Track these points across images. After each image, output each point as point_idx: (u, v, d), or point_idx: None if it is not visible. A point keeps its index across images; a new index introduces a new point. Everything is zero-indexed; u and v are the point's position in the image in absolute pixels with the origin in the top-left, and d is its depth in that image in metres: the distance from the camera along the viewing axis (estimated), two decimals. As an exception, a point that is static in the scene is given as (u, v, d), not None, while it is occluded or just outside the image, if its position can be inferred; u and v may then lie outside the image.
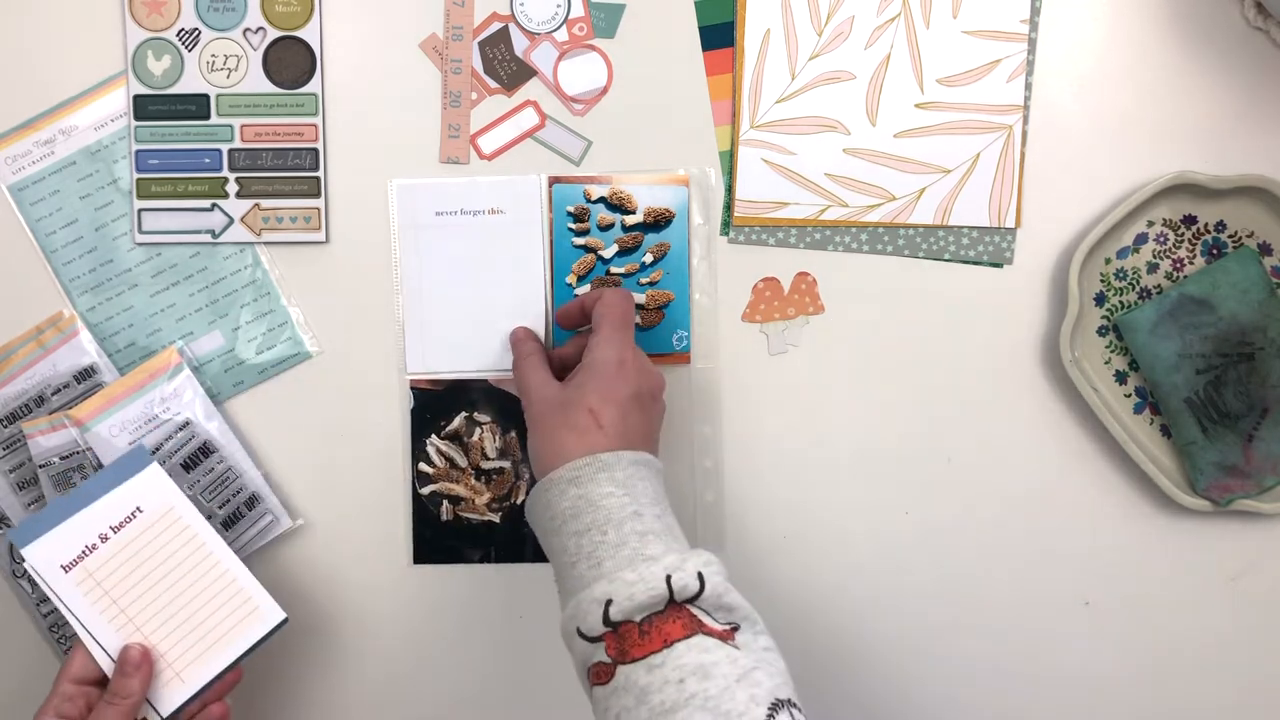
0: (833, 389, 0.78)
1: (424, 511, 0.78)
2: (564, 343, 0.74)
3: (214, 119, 0.76)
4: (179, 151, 0.76)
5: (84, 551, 0.68)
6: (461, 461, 0.78)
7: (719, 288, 0.78)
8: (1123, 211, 0.75)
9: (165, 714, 0.67)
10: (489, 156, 0.77)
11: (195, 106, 0.76)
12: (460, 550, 0.79)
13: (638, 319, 0.77)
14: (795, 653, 0.79)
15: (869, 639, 0.79)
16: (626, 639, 0.56)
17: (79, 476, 0.75)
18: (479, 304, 0.77)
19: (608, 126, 0.77)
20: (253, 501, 0.77)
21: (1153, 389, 0.77)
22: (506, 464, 0.78)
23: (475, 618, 0.79)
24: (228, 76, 0.76)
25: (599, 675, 0.56)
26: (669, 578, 0.57)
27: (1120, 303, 0.78)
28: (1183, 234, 0.77)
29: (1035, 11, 0.76)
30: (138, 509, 0.70)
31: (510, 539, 0.78)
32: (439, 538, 0.78)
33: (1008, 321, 0.78)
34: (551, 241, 0.77)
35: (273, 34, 0.76)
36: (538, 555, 0.78)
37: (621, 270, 0.77)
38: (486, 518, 0.78)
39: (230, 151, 0.76)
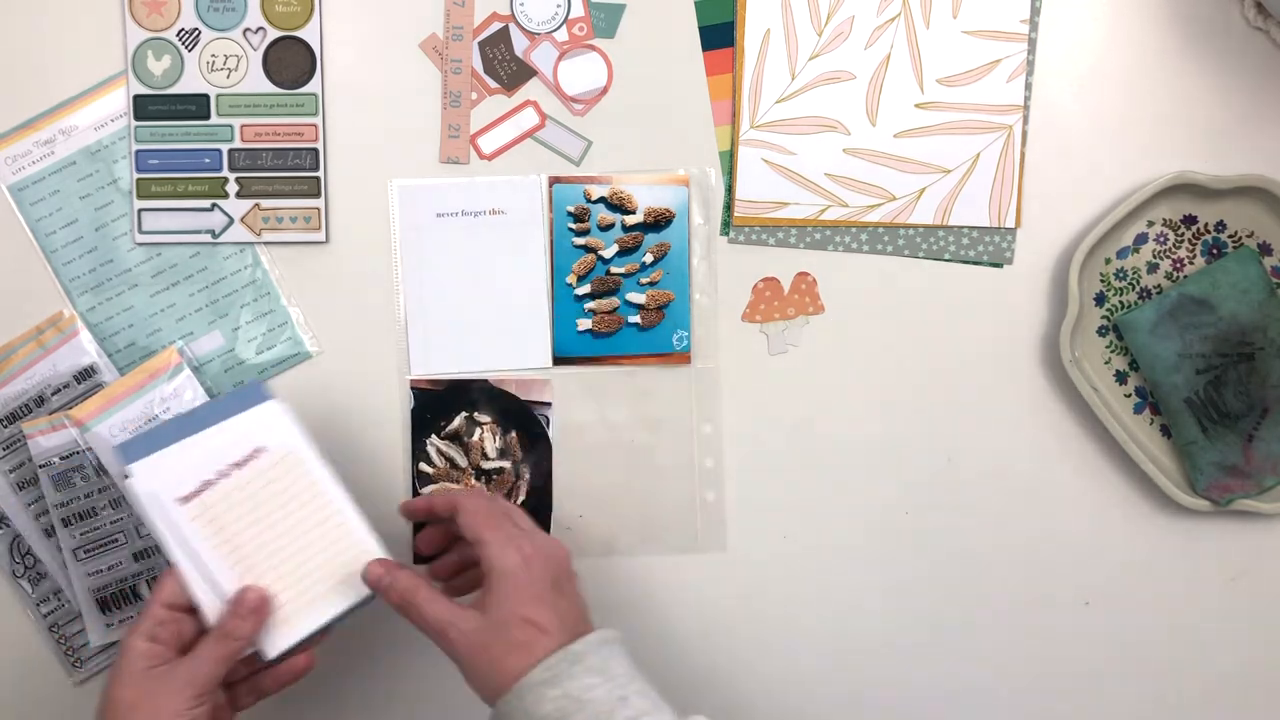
0: (833, 389, 0.78)
1: (424, 511, 0.78)
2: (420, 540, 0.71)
3: (214, 119, 0.76)
4: (179, 151, 0.76)
5: (203, 485, 0.66)
6: (462, 461, 0.78)
7: (719, 288, 0.78)
8: (1123, 211, 0.75)
9: (270, 656, 0.66)
10: (489, 156, 0.77)
11: (195, 106, 0.76)
12: (460, 550, 0.79)
13: (637, 319, 0.77)
14: (795, 652, 0.80)
15: (869, 638, 0.79)
16: None
17: (79, 477, 0.75)
18: (479, 304, 0.77)
19: (608, 126, 0.77)
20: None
21: (1153, 389, 0.77)
22: (506, 464, 0.78)
23: (475, 618, 0.79)
24: (228, 76, 0.76)
25: None
26: None
27: (1120, 303, 0.78)
28: (1183, 234, 0.77)
29: (1035, 11, 0.76)
30: (261, 448, 0.68)
31: (510, 539, 0.78)
32: (439, 538, 0.78)
33: (1008, 321, 0.78)
34: (552, 241, 0.77)
35: (273, 34, 0.76)
36: (538, 555, 0.78)
37: (622, 270, 0.77)
38: (486, 518, 0.78)
39: (230, 151, 0.76)
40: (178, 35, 0.76)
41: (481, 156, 0.77)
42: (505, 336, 0.77)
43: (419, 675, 0.80)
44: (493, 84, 0.77)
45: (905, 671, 0.80)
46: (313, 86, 0.76)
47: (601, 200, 0.77)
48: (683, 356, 0.78)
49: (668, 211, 0.77)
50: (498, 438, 0.78)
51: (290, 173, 0.76)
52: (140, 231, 0.76)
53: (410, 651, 0.79)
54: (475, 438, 0.78)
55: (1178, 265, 0.77)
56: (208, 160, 0.76)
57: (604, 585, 0.78)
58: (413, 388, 0.77)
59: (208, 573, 0.65)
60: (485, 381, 0.77)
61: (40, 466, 0.75)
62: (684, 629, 0.79)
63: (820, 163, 0.77)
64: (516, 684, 0.58)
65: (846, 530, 0.79)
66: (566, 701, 0.57)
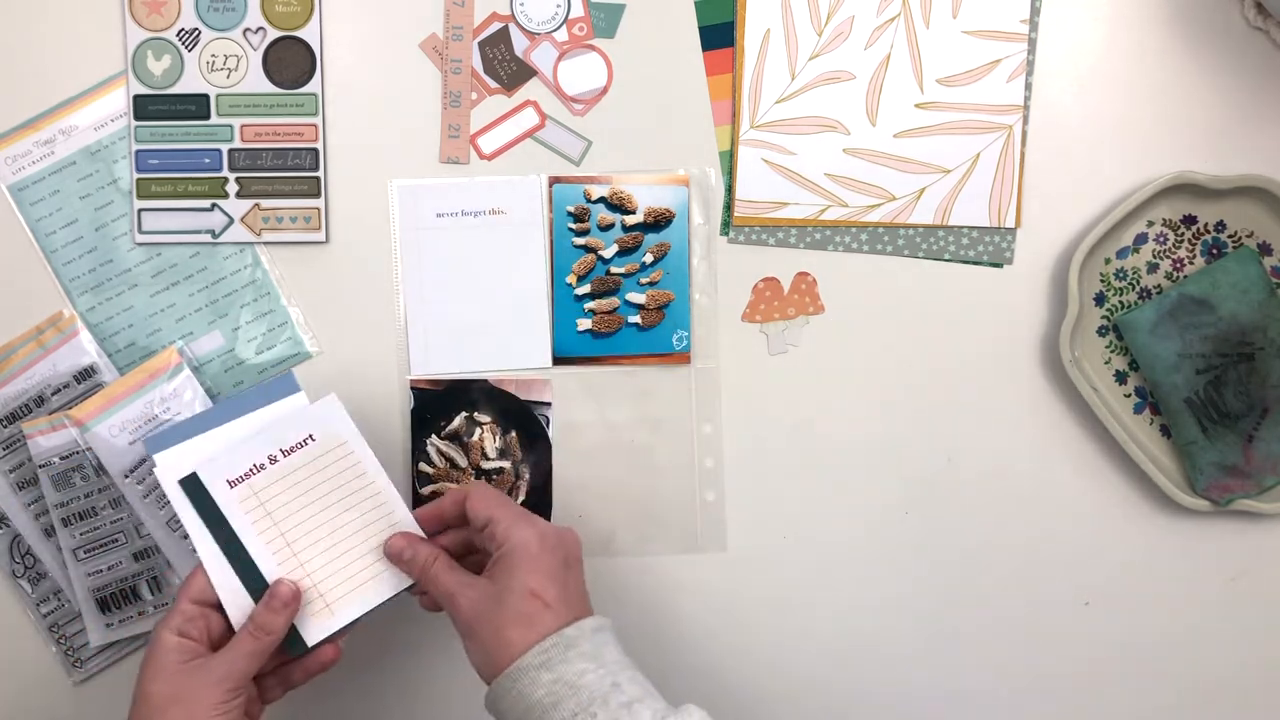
0: (833, 389, 0.78)
1: (424, 511, 0.78)
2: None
3: (214, 119, 0.76)
4: (179, 151, 0.76)
5: (252, 469, 0.67)
6: (462, 461, 0.78)
7: (719, 288, 0.78)
8: (1123, 211, 0.75)
9: (311, 644, 0.66)
10: (489, 156, 0.77)
11: (195, 106, 0.76)
12: (460, 550, 0.79)
13: (637, 319, 0.77)
14: (795, 652, 0.80)
15: (869, 638, 0.79)
16: None
17: (79, 477, 0.75)
18: (479, 304, 0.77)
19: (608, 126, 0.77)
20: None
21: (1153, 389, 0.77)
22: (506, 464, 0.78)
23: (475, 618, 0.79)
24: (228, 76, 0.76)
25: None
26: None
27: (1120, 303, 0.78)
28: (1183, 234, 0.77)
29: (1035, 11, 0.76)
30: (310, 436, 0.68)
31: (510, 539, 0.78)
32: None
33: (1008, 321, 0.78)
34: (552, 241, 0.77)
35: (273, 34, 0.76)
36: (538, 555, 0.78)
37: (621, 270, 0.77)
38: (486, 518, 0.78)
39: (230, 151, 0.76)
40: (178, 35, 0.76)
41: (481, 156, 0.77)
42: (505, 336, 0.77)
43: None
44: (493, 84, 0.77)
45: (905, 671, 0.80)
46: (313, 86, 0.76)
47: (601, 200, 0.77)
48: (683, 356, 0.78)
49: (668, 211, 0.77)
50: (498, 438, 0.78)
51: (290, 173, 0.76)
52: (140, 231, 0.76)
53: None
54: (475, 438, 0.78)
55: (1178, 265, 0.77)
56: (208, 160, 0.76)
57: (604, 585, 0.78)
58: (413, 388, 0.77)
59: (258, 559, 0.66)
60: (485, 381, 0.77)
61: (40, 466, 0.75)
62: (684, 629, 0.79)
63: (820, 163, 0.77)
64: (511, 666, 0.59)
65: (846, 530, 0.79)
66: (559, 686, 0.58)
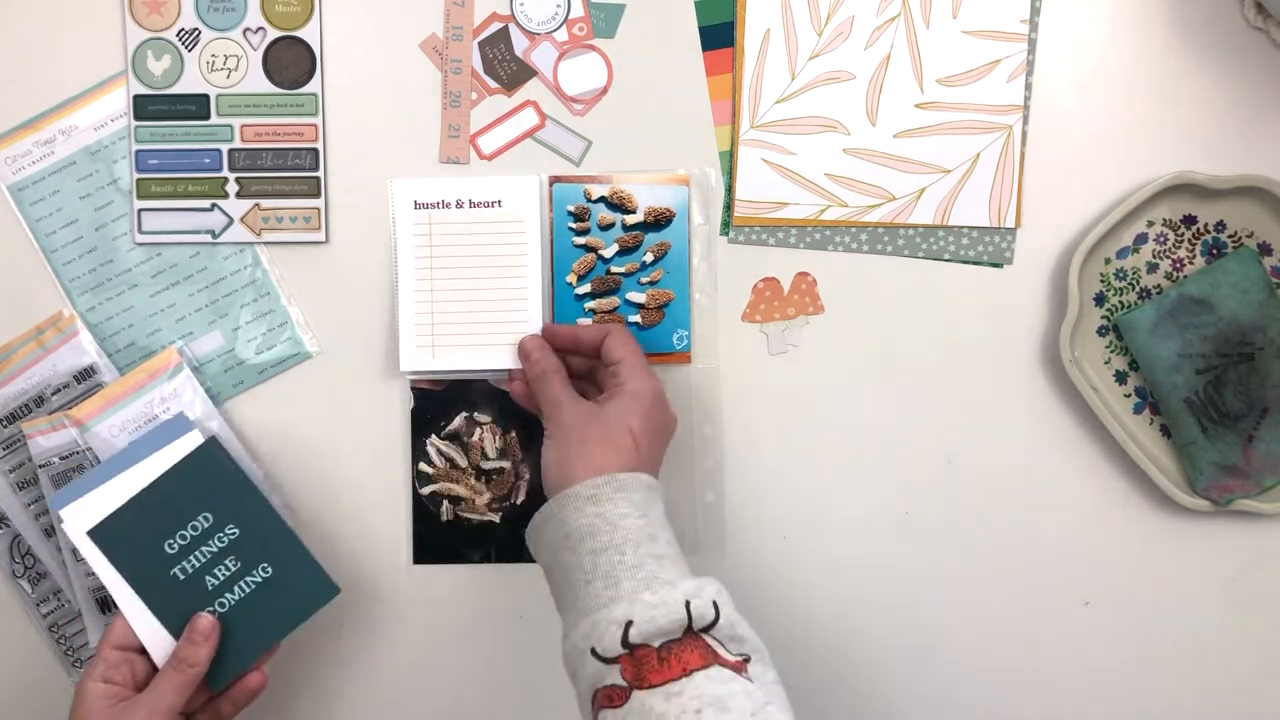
0: (833, 389, 0.78)
1: (424, 511, 0.78)
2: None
3: (214, 119, 0.76)
4: (179, 151, 0.76)
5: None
6: (461, 461, 0.78)
7: (719, 288, 0.78)
8: (1123, 211, 0.75)
9: (216, 689, 0.69)
10: (489, 156, 0.77)
11: (195, 106, 0.76)
12: (460, 550, 0.79)
13: (637, 318, 0.77)
14: (796, 652, 0.80)
15: (869, 638, 0.79)
16: (644, 664, 0.56)
17: (79, 476, 0.75)
18: (479, 303, 0.77)
19: (608, 126, 0.77)
20: (253, 501, 0.77)
21: (1153, 389, 0.77)
22: (506, 464, 0.78)
23: (475, 618, 0.79)
24: (228, 76, 0.76)
25: (610, 698, 0.56)
26: (688, 604, 0.57)
27: (1120, 303, 0.78)
28: (1183, 234, 0.77)
29: (1035, 11, 0.76)
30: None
31: (510, 539, 0.78)
32: (439, 538, 0.78)
33: (1008, 321, 0.78)
34: (552, 241, 0.77)
35: (273, 34, 0.76)
36: (538, 555, 0.78)
37: (622, 270, 0.77)
38: (486, 518, 0.78)
39: (230, 151, 0.76)
40: (178, 35, 0.76)
41: (481, 156, 0.77)
42: (505, 336, 0.77)
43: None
44: (493, 84, 0.77)
45: (905, 671, 0.80)
46: (313, 86, 0.76)
47: (602, 200, 0.77)
48: (683, 356, 0.78)
49: (668, 211, 0.77)
50: (497, 438, 0.78)
51: (290, 173, 0.76)
52: (140, 231, 0.76)
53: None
54: (475, 438, 0.78)
55: (1178, 265, 0.77)
56: (208, 160, 0.76)
57: (604, 585, 0.78)
58: (413, 388, 0.77)
59: (166, 593, 0.69)
60: (485, 381, 0.77)
61: (40, 466, 0.75)
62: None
63: (820, 163, 0.77)
64: (562, 492, 0.62)
65: (846, 531, 0.79)
66: (600, 520, 0.60)
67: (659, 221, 0.77)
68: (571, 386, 0.70)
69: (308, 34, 0.76)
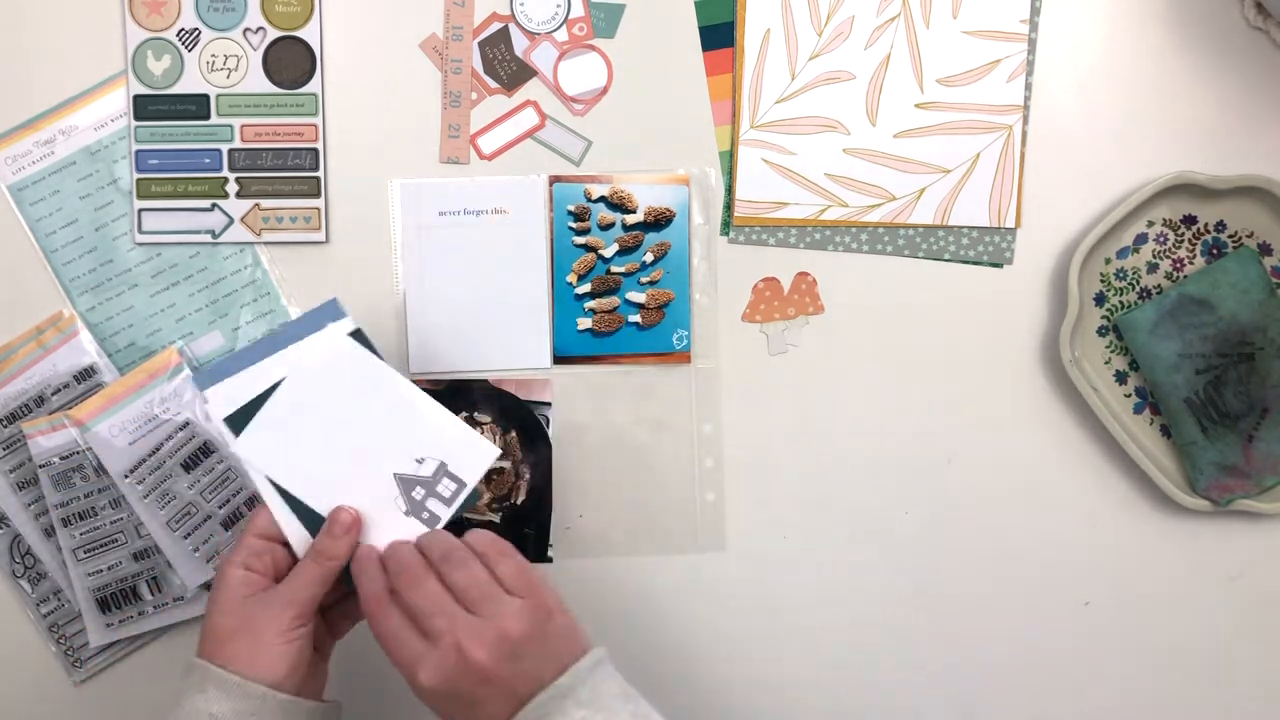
0: (833, 389, 0.78)
1: (424, 511, 0.78)
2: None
3: (214, 119, 0.76)
4: (179, 151, 0.76)
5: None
6: (461, 461, 0.78)
7: (719, 288, 0.78)
8: (1123, 211, 0.75)
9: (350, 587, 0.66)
10: (489, 156, 0.77)
11: (195, 106, 0.76)
12: (460, 550, 0.79)
13: (638, 318, 0.77)
14: (794, 652, 0.80)
15: (868, 638, 0.79)
16: None
17: (79, 477, 0.75)
18: (479, 303, 0.77)
19: (608, 126, 0.77)
20: (253, 502, 0.77)
21: (1153, 389, 0.77)
22: (506, 464, 0.78)
23: (475, 618, 0.79)
24: (228, 76, 0.76)
25: None
26: None
27: (1120, 303, 0.78)
28: (1183, 234, 0.77)
29: (1035, 11, 0.76)
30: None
31: (510, 539, 0.78)
32: (439, 538, 0.78)
33: (1008, 321, 0.78)
34: (552, 241, 0.77)
35: (273, 34, 0.76)
36: (538, 555, 0.78)
37: (622, 270, 0.77)
38: (486, 518, 0.78)
39: (230, 151, 0.76)
40: (178, 35, 0.76)
41: (481, 156, 0.77)
42: (505, 336, 0.77)
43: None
44: (493, 84, 0.77)
45: (905, 671, 0.80)
46: (313, 86, 0.76)
47: (602, 199, 0.77)
48: (683, 356, 0.78)
49: (668, 211, 0.77)
50: (498, 438, 0.78)
51: (290, 173, 0.76)
52: (140, 231, 0.76)
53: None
54: (475, 438, 0.78)
55: (1178, 265, 0.77)
56: (208, 160, 0.76)
57: (604, 585, 0.78)
58: (413, 388, 0.77)
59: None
60: (485, 381, 0.77)
61: (40, 466, 0.75)
62: (683, 629, 0.79)
63: (820, 163, 0.77)
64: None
65: (846, 530, 0.79)
66: None
67: (659, 221, 0.77)
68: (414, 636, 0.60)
69: (308, 34, 0.76)
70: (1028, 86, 0.76)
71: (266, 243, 0.77)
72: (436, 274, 0.77)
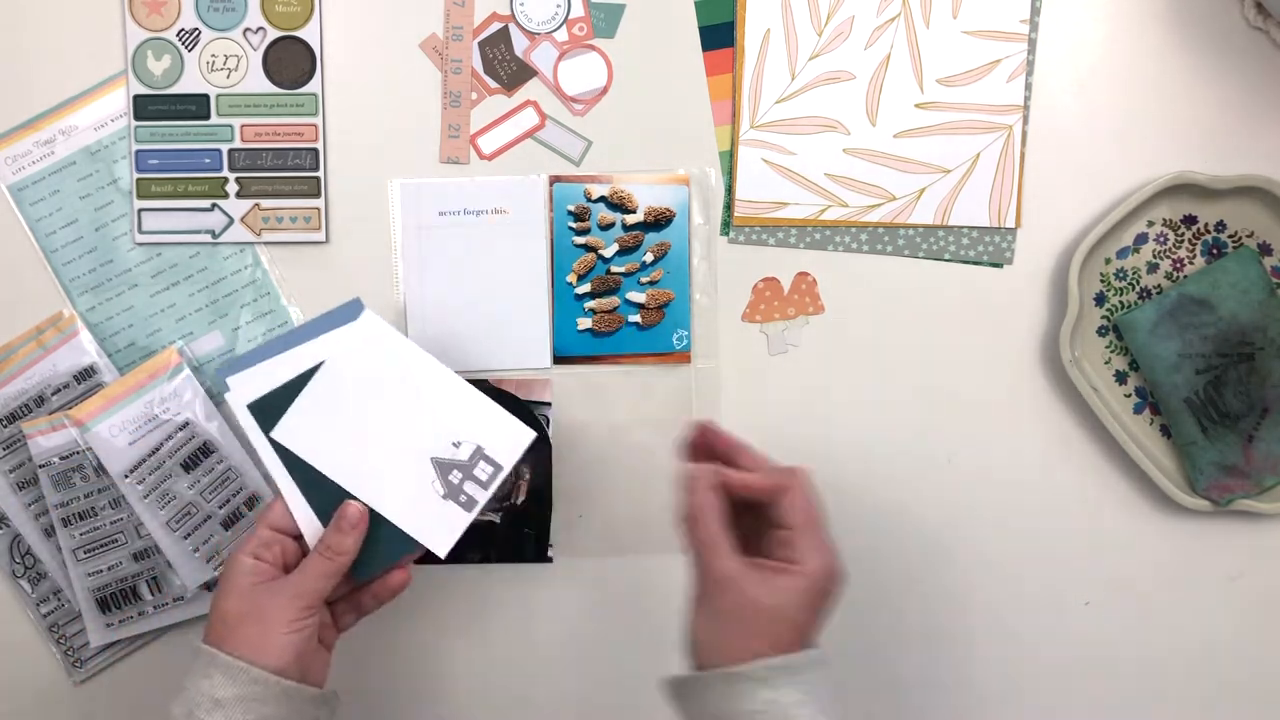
0: (833, 389, 0.78)
1: (424, 511, 0.78)
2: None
3: (214, 119, 0.76)
4: (179, 151, 0.76)
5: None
6: (461, 461, 0.78)
7: (719, 288, 0.78)
8: (1123, 211, 0.75)
9: (359, 580, 0.67)
10: (489, 156, 0.77)
11: (195, 106, 0.76)
12: (460, 550, 0.78)
13: (638, 318, 0.77)
14: (795, 653, 0.79)
15: (867, 638, 0.79)
16: None
17: (79, 477, 0.75)
18: (479, 303, 0.77)
19: (608, 126, 0.77)
20: (253, 502, 0.77)
21: (1153, 389, 0.77)
22: (506, 464, 0.78)
23: (475, 618, 0.79)
24: (228, 76, 0.76)
25: None
26: None
27: (1120, 303, 0.78)
28: (1183, 234, 0.77)
29: (1035, 11, 0.76)
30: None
31: (510, 539, 0.78)
32: (439, 538, 0.78)
33: (1008, 321, 0.78)
34: (552, 241, 0.77)
35: (273, 34, 0.76)
36: (538, 555, 0.78)
37: (622, 269, 0.77)
38: (486, 518, 0.78)
39: (230, 151, 0.76)
40: (178, 35, 0.76)
41: (481, 156, 0.77)
42: (505, 336, 0.77)
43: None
44: (493, 84, 0.77)
45: (904, 671, 0.80)
46: (313, 86, 0.76)
47: (602, 199, 0.77)
48: (683, 356, 0.78)
49: (668, 211, 0.77)
50: (498, 438, 0.78)
51: (290, 173, 0.76)
52: (140, 231, 0.76)
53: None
54: (475, 438, 0.78)
55: (1178, 265, 0.77)
56: (208, 160, 0.76)
57: (604, 585, 0.78)
58: (413, 388, 0.77)
59: (317, 483, 0.66)
60: (485, 381, 0.77)
61: (40, 466, 0.75)
62: (684, 628, 0.79)
63: (820, 163, 0.77)
64: (733, 670, 0.57)
65: (845, 530, 0.79)
66: (774, 708, 0.56)
67: (659, 221, 0.77)
68: (729, 536, 0.61)
69: (308, 34, 0.76)
70: (1028, 86, 0.76)
71: (266, 243, 0.77)
72: (436, 274, 0.77)
